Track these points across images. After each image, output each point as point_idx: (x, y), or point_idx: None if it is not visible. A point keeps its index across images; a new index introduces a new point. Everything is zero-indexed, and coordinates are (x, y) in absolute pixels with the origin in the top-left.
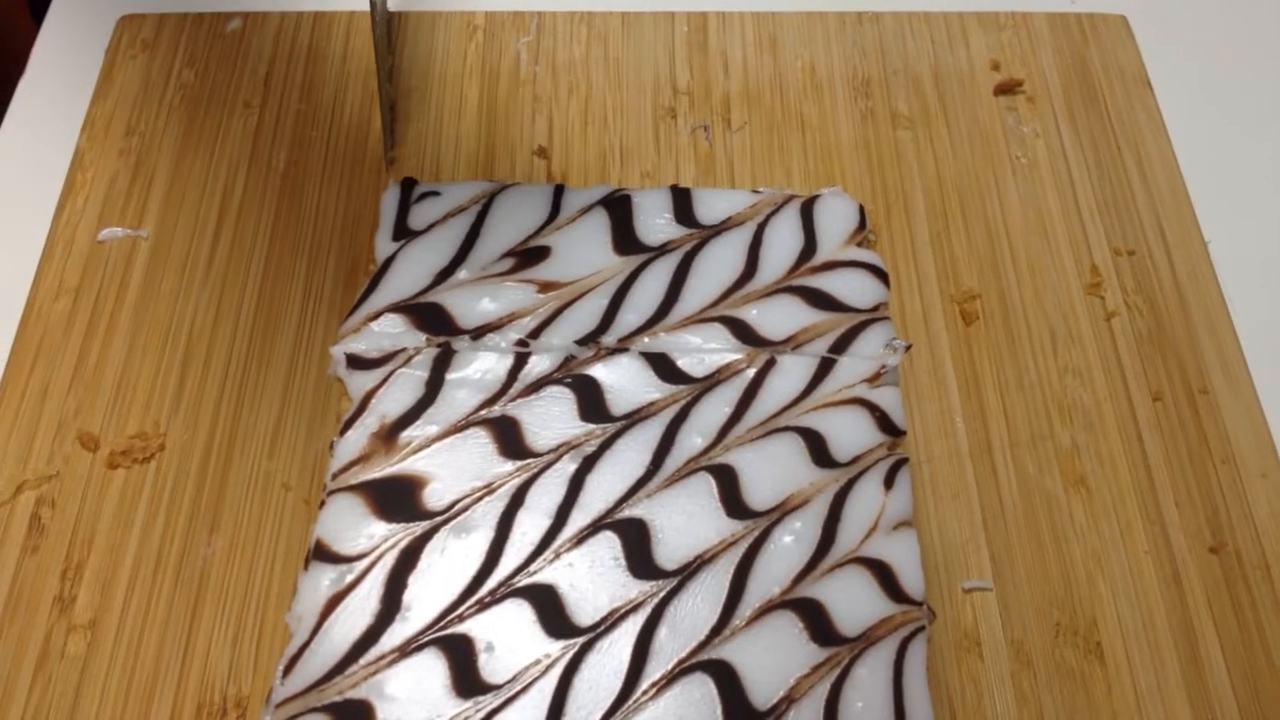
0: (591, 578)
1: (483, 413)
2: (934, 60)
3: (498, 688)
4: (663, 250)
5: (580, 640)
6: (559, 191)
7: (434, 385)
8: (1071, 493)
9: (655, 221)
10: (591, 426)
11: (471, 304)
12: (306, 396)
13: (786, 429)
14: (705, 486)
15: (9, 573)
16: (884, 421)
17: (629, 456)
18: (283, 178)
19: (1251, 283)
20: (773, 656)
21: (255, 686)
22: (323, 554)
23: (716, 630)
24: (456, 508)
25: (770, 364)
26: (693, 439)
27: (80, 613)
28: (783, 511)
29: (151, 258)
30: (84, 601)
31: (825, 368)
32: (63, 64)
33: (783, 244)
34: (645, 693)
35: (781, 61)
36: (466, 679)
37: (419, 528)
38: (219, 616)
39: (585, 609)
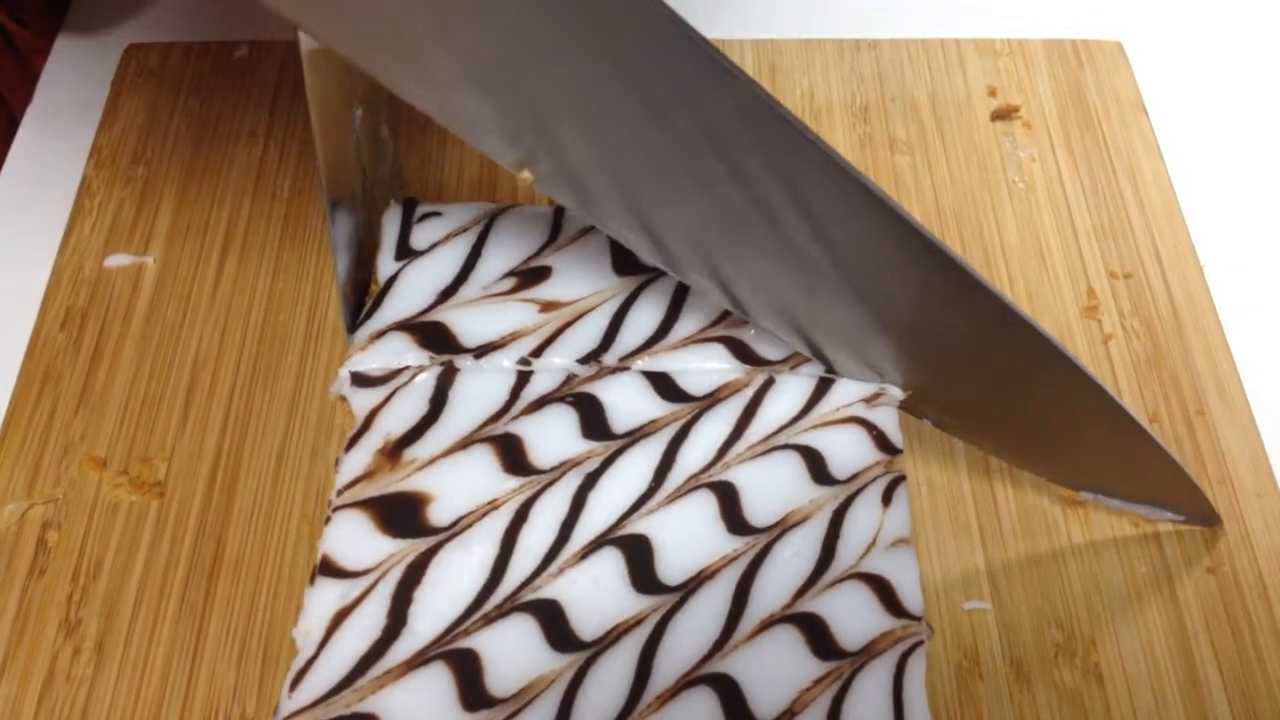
0: (595, 593)
1: (486, 430)
2: (931, 86)
3: (503, 701)
4: (662, 270)
5: (584, 655)
6: (559, 213)
7: (437, 403)
8: (1069, 513)
9: None
10: (593, 444)
11: (474, 323)
12: (311, 418)
13: (786, 447)
14: (706, 503)
15: (15, 596)
16: (881, 440)
17: (630, 474)
18: (287, 205)
19: (1247, 304)
20: (775, 670)
21: (260, 706)
22: (329, 569)
23: (719, 645)
24: (461, 524)
25: (769, 383)
26: (693, 456)
27: (86, 635)
28: (783, 528)
29: (157, 284)
30: (90, 624)
31: (823, 387)
32: (70, 93)
33: None
34: (649, 706)
35: (781, 88)
36: (472, 693)
37: (424, 543)
38: (224, 636)
39: (589, 624)
